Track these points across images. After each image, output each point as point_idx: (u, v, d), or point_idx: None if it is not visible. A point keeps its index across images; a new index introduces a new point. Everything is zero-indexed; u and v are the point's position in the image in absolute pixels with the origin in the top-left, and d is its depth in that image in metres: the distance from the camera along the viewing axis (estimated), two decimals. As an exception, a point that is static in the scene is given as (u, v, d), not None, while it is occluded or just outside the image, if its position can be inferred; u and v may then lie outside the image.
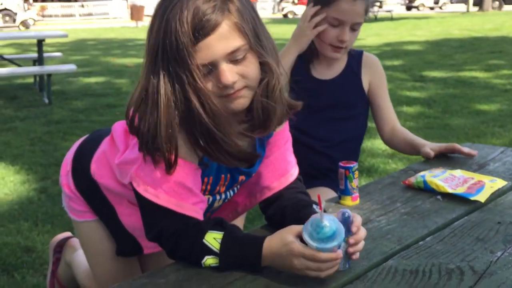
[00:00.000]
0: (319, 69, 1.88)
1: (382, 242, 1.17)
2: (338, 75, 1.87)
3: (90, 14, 32.12)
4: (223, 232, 1.06)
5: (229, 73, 1.04)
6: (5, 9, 23.71)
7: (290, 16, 26.53)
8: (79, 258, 1.74)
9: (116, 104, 6.04)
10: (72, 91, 6.98)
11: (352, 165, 1.40)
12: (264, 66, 1.09)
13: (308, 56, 1.88)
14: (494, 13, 23.13)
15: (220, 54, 1.02)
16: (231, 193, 1.29)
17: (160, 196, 1.08)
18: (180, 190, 1.09)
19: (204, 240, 1.05)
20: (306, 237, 0.98)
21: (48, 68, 6.33)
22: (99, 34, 18.43)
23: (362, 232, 1.05)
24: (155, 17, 1.05)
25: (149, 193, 1.09)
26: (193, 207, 1.10)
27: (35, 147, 4.40)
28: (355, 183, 1.40)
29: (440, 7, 30.83)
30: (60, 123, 5.18)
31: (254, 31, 1.06)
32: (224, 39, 1.02)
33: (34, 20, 23.65)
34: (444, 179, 1.47)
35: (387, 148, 4.08)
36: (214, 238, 1.05)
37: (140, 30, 19.93)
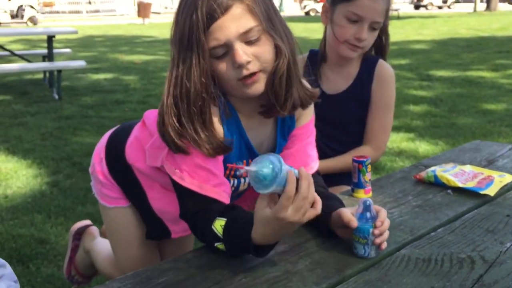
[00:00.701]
0: (328, 77, 1.78)
1: (395, 233, 1.21)
2: (347, 88, 1.77)
3: (97, 11, 32.23)
4: (226, 219, 1.09)
5: (242, 52, 1.08)
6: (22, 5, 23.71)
7: (312, 14, 25.68)
8: (99, 245, 1.79)
9: (125, 100, 6.10)
10: (81, 87, 7.05)
11: (365, 159, 1.44)
12: (276, 50, 1.13)
13: (318, 61, 1.79)
14: (502, 13, 23.05)
15: (234, 34, 1.07)
16: None
17: (185, 178, 1.14)
18: (201, 172, 1.14)
19: (213, 227, 1.09)
20: (252, 185, 0.98)
21: (58, 64, 6.39)
22: (107, 31, 18.51)
23: (386, 223, 1.10)
24: (177, 10, 1.13)
25: (177, 176, 1.15)
26: (214, 189, 1.14)
27: (46, 141, 4.46)
28: (368, 176, 1.44)
29: (449, 6, 30.60)
30: (70, 119, 5.24)
31: (267, 14, 1.11)
32: (236, 20, 1.07)
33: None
34: (455, 174, 1.51)
35: (394, 146, 4.12)
36: (220, 225, 1.08)
37: (147, 27, 19.99)
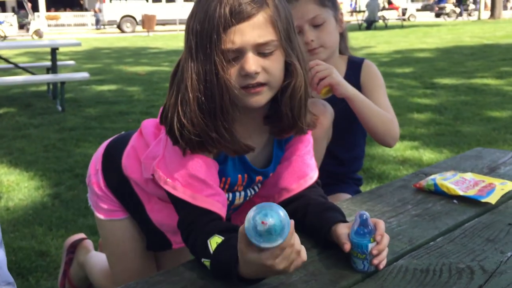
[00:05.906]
0: None
1: (393, 243, 1.18)
2: None
3: (103, 24, 32.40)
4: (223, 238, 1.04)
5: (253, 62, 1.06)
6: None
7: (380, 21, 22.89)
8: (93, 258, 1.77)
9: (129, 112, 6.11)
10: (85, 98, 7.06)
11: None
12: (290, 67, 1.11)
13: None
14: (506, 21, 23.01)
15: (250, 42, 1.05)
16: (252, 191, 1.31)
17: (177, 187, 1.12)
18: (194, 182, 1.11)
19: (208, 241, 1.04)
20: (250, 237, 0.88)
21: (61, 76, 6.41)
22: (112, 43, 18.61)
23: (385, 240, 1.05)
24: (196, 4, 1.09)
25: (168, 185, 1.13)
26: (208, 199, 1.11)
27: (49, 153, 4.46)
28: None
29: (469, 14, 29.36)
30: (73, 130, 5.24)
31: (287, 30, 1.10)
32: (257, 29, 1.05)
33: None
34: (455, 182, 1.48)
35: (398, 155, 4.09)
36: (216, 243, 1.04)
37: (151, 38, 20.08)
